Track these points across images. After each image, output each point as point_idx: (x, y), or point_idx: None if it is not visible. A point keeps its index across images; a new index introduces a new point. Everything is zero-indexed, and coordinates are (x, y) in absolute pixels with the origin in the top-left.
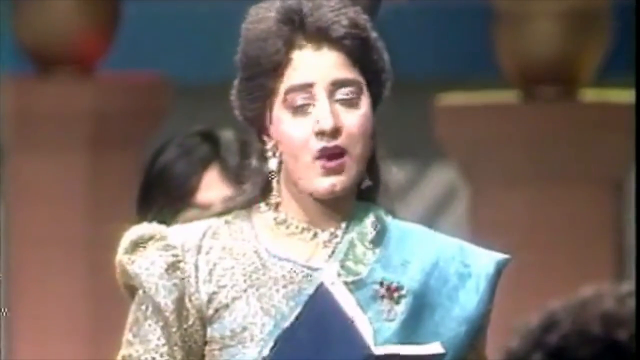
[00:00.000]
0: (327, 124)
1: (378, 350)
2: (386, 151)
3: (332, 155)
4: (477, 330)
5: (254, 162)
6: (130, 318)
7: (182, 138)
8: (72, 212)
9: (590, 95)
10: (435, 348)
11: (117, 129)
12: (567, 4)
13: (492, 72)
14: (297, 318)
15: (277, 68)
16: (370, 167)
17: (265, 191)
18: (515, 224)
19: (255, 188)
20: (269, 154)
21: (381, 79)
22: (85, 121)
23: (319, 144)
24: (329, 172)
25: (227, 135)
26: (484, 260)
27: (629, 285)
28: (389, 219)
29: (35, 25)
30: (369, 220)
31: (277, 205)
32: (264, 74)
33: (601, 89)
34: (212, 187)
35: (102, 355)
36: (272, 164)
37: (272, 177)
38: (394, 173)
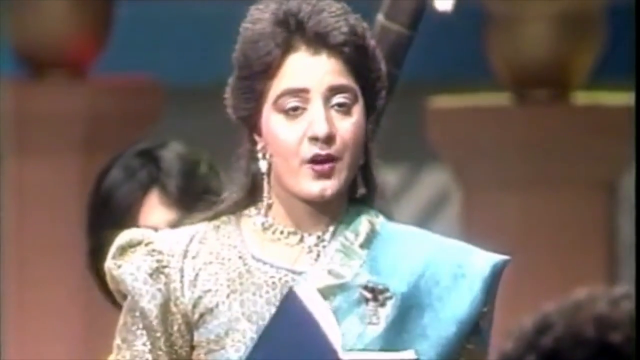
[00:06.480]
0: (322, 130)
1: (345, 356)
2: (379, 154)
3: (322, 160)
4: (471, 332)
5: (241, 163)
6: (120, 323)
7: (125, 158)
8: (65, 215)
9: (582, 98)
10: (407, 355)
11: (110, 131)
12: (559, 6)
13: (484, 75)
14: (271, 322)
15: (268, 70)
16: (365, 173)
17: (252, 193)
18: (508, 226)
19: (242, 190)
20: (259, 155)
21: (376, 87)
22: (78, 124)
23: (311, 150)
24: (319, 175)
25: (170, 155)
26: (480, 262)
27: (622, 288)
28: (380, 222)
29: (28, 28)
30: (359, 223)
31: (269, 207)
32: (255, 75)
33: (594, 91)
34: (153, 211)
35: (93, 358)
36: (263, 165)
37: (262, 178)
38: (384, 176)
